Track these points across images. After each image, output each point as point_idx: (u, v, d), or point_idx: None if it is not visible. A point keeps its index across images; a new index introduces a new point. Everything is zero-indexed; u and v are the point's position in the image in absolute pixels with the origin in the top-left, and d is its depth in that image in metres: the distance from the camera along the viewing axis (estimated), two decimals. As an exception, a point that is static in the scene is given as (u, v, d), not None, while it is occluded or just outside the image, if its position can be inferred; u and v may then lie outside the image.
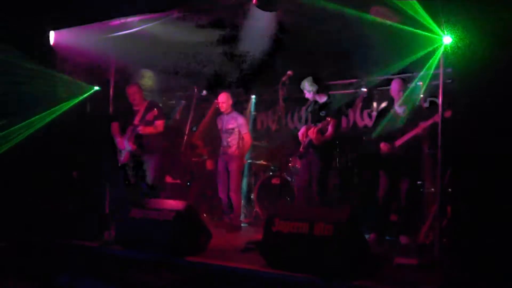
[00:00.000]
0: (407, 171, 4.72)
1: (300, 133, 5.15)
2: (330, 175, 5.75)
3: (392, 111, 4.90)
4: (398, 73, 6.92)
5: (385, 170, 4.85)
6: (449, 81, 4.11)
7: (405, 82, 4.99)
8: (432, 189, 5.32)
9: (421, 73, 6.61)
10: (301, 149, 5.09)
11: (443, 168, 3.89)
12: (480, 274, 2.87)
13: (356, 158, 6.38)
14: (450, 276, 3.05)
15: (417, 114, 4.75)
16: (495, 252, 2.87)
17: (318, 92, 5.08)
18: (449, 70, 3.98)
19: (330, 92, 7.57)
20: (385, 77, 6.49)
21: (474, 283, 2.86)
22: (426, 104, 6.70)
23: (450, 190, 4.19)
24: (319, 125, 4.83)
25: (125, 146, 5.41)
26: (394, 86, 4.88)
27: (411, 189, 4.72)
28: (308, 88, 5.05)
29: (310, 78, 5.04)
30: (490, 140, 3.09)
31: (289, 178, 6.12)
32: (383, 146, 4.78)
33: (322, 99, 5.12)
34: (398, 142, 4.70)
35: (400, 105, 4.84)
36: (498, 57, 3.13)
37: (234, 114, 5.83)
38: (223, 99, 5.76)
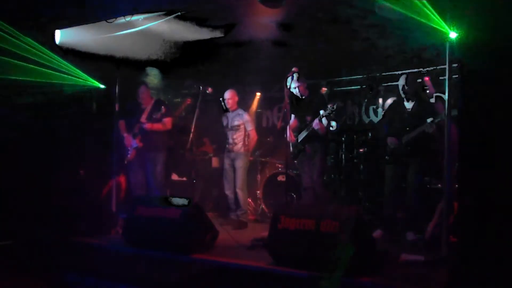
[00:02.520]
0: (414, 167, 4.70)
1: (288, 135, 5.12)
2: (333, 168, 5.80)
3: (400, 106, 4.89)
4: (404, 69, 6.92)
5: (391, 166, 4.85)
6: (456, 76, 4.09)
7: (413, 77, 4.97)
8: (439, 185, 5.31)
9: (428, 68, 6.65)
10: (291, 149, 5.11)
11: (449, 164, 3.87)
12: (487, 271, 2.86)
13: (362, 154, 6.38)
14: (457, 273, 3.04)
15: (425, 110, 4.74)
16: (502, 249, 2.86)
17: (305, 88, 5.10)
18: (456, 65, 3.96)
19: (336, 89, 7.62)
20: (391, 72, 6.48)
21: (481, 280, 2.85)
22: (433, 100, 6.69)
23: (457, 186, 4.17)
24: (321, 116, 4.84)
25: (132, 143, 5.44)
26: (400, 82, 4.87)
27: (417, 185, 4.70)
28: (296, 83, 5.02)
29: (295, 74, 5.03)
30: (497, 136, 3.07)
31: (294, 175, 6.12)
32: (390, 140, 4.79)
33: (306, 93, 5.13)
34: (406, 138, 4.69)
35: (408, 100, 4.83)
36: (505, 52, 3.10)
37: (240, 111, 5.83)
38: (230, 96, 5.76)
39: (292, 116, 5.33)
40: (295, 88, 5.07)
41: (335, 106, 4.68)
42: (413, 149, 4.67)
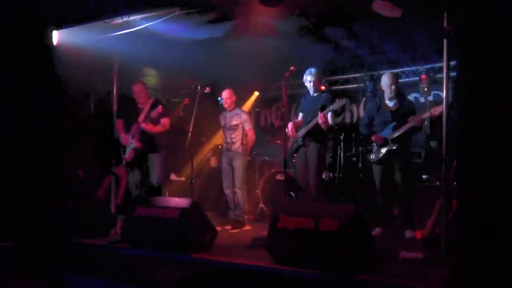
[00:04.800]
0: (400, 165, 4.72)
1: (289, 129, 5.10)
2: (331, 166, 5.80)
3: (382, 104, 4.90)
4: (402, 67, 6.94)
5: (378, 166, 4.87)
6: (454, 74, 4.10)
7: (395, 76, 5.00)
8: (437, 183, 5.32)
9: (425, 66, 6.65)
10: (289, 145, 5.10)
11: (447, 161, 3.88)
12: (486, 268, 2.86)
13: (360, 153, 6.39)
14: (456, 270, 3.04)
15: (407, 108, 4.78)
16: (501, 246, 2.86)
17: (320, 83, 5.10)
18: (453, 63, 3.96)
19: (334, 87, 7.61)
20: (389, 71, 6.47)
21: (480, 277, 2.85)
22: (431, 98, 6.71)
23: (455, 183, 4.18)
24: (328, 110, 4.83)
25: (130, 143, 5.42)
26: (385, 80, 4.87)
27: (406, 183, 4.71)
28: (313, 78, 5.01)
29: (315, 68, 5.03)
30: (495, 133, 3.07)
31: (293, 174, 6.12)
32: (374, 138, 4.80)
33: (320, 90, 5.13)
34: (392, 136, 4.72)
35: (390, 99, 4.84)
36: (503, 48, 3.10)
37: (238, 110, 5.84)
38: (227, 95, 5.76)
39: (300, 114, 5.32)
40: (310, 82, 5.05)
41: (343, 101, 4.68)
42: (400, 147, 4.70)
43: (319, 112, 4.77)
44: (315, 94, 5.08)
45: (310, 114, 5.04)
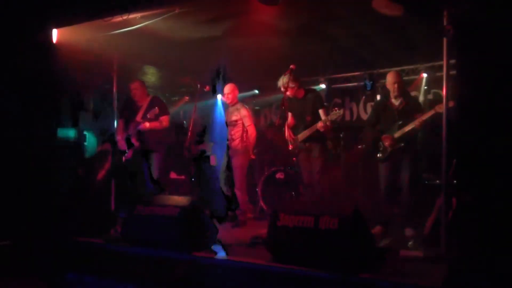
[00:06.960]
0: (407, 163, 4.72)
1: (287, 134, 5.12)
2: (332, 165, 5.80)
3: (388, 103, 4.91)
4: (402, 65, 6.93)
5: (384, 164, 4.87)
6: (453, 72, 4.09)
7: (400, 74, 5.00)
8: (438, 181, 5.32)
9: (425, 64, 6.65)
10: (290, 147, 5.11)
11: (447, 160, 3.88)
12: (485, 267, 2.86)
13: (360, 151, 6.39)
14: (456, 269, 3.05)
15: (413, 106, 4.78)
16: (501, 245, 2.86)
17: (298, 87, 5.09)
18: (453, 61, 3.95)
19: (334, 85, 7.61)
20: (388, 69, 6.47)
21: (480, 276, 2.85)
22: (431, 96, 6.71)
23: (455, 181, 4.17)
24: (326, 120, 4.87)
25: (128, 143, 5.41)
26: (389, 79, 4.87)
27: (412, 181, 4.72)
28: (291, 84, 5.00)
29: (282, 77, 5.00)
30: (495, 131, 3.07)
31: (293, 173, 6.12)
32: (384, 138, 4.80)
33: (301, 94, 5.13)
34: (397, 134, 4.73)
35: (395, 98, 4.84)
36: (502, 47, 3.10)
37: (238, 105, 5.63)
38: (229, 90, 5.62)
39: (290, 114, 5.32)
40: (292, 87, 5.05)
41: (340, 111, 4.72)
42: (406, 145, 4.71)
43: (319, 122, 4.82)
44: (299, 97, 5.12)
45: (300, 116, 5.08)
